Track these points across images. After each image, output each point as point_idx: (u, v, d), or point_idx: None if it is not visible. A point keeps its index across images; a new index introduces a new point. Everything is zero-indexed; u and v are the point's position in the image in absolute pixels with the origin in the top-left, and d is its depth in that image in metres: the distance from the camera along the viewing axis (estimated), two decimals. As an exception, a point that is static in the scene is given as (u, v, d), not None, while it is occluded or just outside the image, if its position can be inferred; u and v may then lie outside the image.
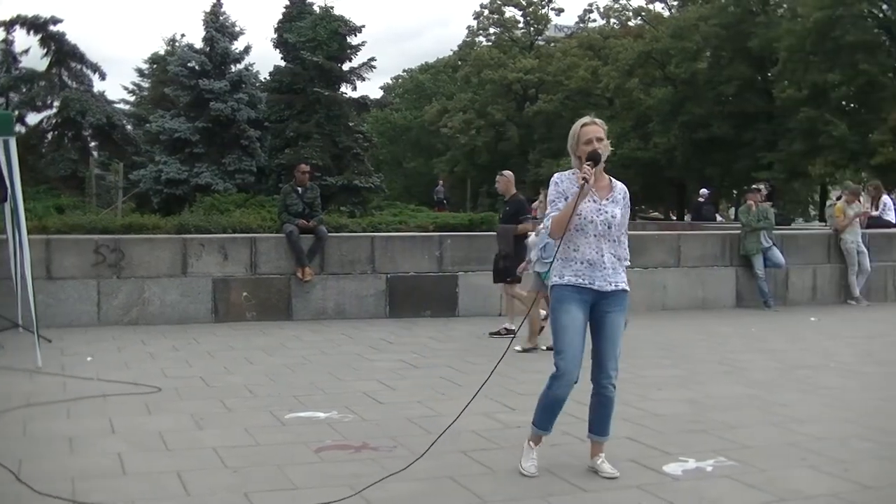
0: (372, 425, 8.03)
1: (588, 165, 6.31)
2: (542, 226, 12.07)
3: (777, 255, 17.57)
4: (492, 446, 7.32)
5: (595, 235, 6.47)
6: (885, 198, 21.96)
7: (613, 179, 6.68)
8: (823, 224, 32.25)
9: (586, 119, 6.62)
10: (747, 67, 53.07)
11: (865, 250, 18.41)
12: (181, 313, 14.59)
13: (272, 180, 32.03)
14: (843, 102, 47.70)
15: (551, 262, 12.11)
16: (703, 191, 38.10)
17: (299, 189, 15.83)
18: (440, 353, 12.14)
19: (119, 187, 30.11)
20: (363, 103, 35.58)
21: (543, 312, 12.40)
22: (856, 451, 7.30)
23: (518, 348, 12.17)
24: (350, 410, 8.57)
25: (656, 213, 70.32)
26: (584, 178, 6.26)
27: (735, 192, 60.33)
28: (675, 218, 59.11)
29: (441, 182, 54.30)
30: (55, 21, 38.40)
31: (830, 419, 8.43)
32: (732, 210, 58.95)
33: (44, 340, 11.53)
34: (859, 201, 19.35)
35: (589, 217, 6.44)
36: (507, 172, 14.50)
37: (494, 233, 14.86)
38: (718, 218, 41.03)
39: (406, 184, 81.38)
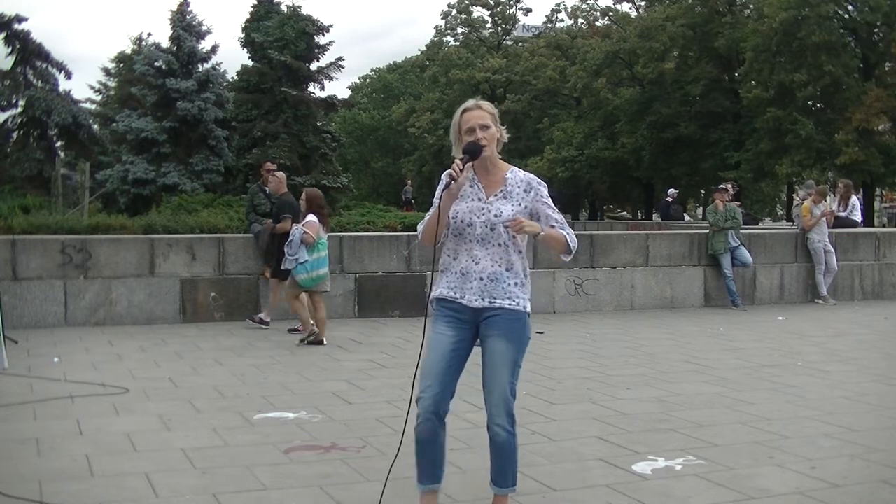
0: (341, 426, 8.02)
1: (461, 160, 5.25)
2: (295, 226, 12.86)
3: (744, 254, 17.65)
4: (461, 446, 7.31)
5: (475, 240, 5.40)
6: (854, 198, 22.10)
7: (516, 171, 5.54)
8: (790, 223, 32.45)
9: (469, 103, 5.53)
10: (714, 68, 53.43)
11: (832, 249, 18.51)
12: (149, 314, 14.53)
13: (239, 180, 32.01)
14: (809, 102, 48.12)
15: (296, 260, 12.58)
16: (671, 190, 38.38)
17: (267, 189, 15.80)
18: (409, 352, 12.11)
19: (85, 187, 29.96)
20: (331, 103, 35.58)
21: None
22: (822, 448, 7.34)
23: (297, 342, 12.87)
24: (319, 411, 8.55)
25: (624, 213, 70.63)
26: (450, 176, 5.22)
27: (702, 191, 60.74)
28: (642, 217, 59.32)
29: (409, 182, 54.36)
30: (20, 19, 38.22)
31: (797, 417, 8.47)
32: (700, 210, 59.29)
33: (10, 342, 11.46)
34: (825, 201, 19.46)
35: (467, 219, 5.39)
36: (280, 174, 15.24)
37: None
38: (686, 217, 41.28)
39: (374, 184, 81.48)
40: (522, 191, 5.44)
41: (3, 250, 13.67)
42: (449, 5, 73.03)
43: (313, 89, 35.19)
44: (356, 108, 74.54)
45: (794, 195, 47.43)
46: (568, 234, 5.49)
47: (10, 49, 38.32)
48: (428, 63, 76.41)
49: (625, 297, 17.11)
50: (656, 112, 53.67)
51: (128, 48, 57.96)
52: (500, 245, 5.38)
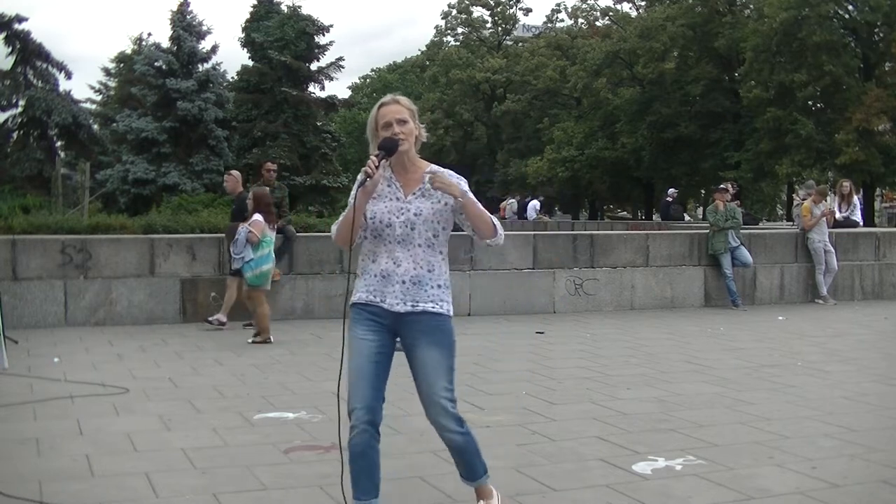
0: (341, 426, 8.00)
1: (375, 156, 5.01)
2: (241, 226, 13.03)
3: (745, 254, 17.64)
4: (461, 446, 7.30)
5: (395, 241, 5.15)
6: (855, 198, 22.09)
7: (436, 168, 5.27)
8: (790, 223, 32.46)
9: (386, 98, 5.31)
10: (714, 68, 53.44)
11: (832, 249, 18.49)
12: (149, 314, 14.52)
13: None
14: (809, 102, 48.14)
15: (242, 258, 12.74)
16: (671, 190, 38.37)
17: (267, 189, 15.80)
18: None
19: (85, 187, 29.97)
20: (331, 103, 35.62)
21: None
22: (823, 448, 7.33)
23: (249, 340, 13.04)
24: (319, 411, 8.54)
25: (624, 213, 70.62)
26: (365, 174, 4.96)
27: (702, 191, 60.71)
28: (643, 217, 59.32)
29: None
30: (20, 19, 38.21)
31: (797, 417, 8.46)
32: (700, 210, 59.28)
33: (10, 342, 11.46)
34: (825, 201, 19.45)
35: (386, 220, 5.15)
36: (235, 172, 15.50)
37: (460, 232, 14.91)
38: (686, 217, 41.27)
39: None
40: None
41: (4, 250, 13.68)
42: (449, 5, 73.15)
43: (313, 89, 35.29)
44: (356, 108, 74.51)
45: (794, 195, 47.43)
46: (494, 220, 5.27)
47: (10, 49, 38.33)
48: (428, 63, 76.49)
49: (625, 297, 17.10)
50: (656, 112, 53.70)
51: (128, 48, 58.03)
52: (420, 246, 5.16)
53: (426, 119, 65.15)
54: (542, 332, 13.90)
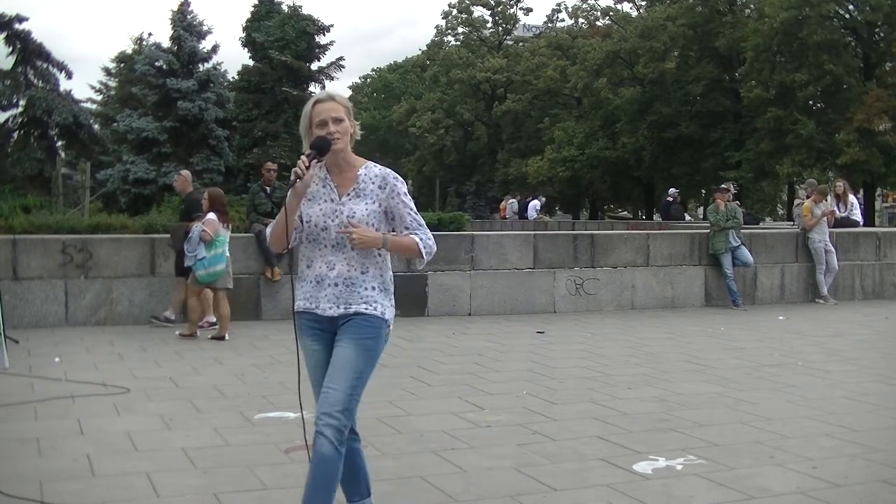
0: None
1: (307, 155, 4.78)
2: (195, 224, 13.18)
3: (745, 254, 17.65)
4: (461, 445, 7.31)
5: (329, 245, 4.93)
6: (852, 197, 22.09)
7: (370, 166, 5.06)
8: (791, 223, 32.46)
9: (322, 94, 5.07)
10: (714, 67, 53.44)
11: (833, 249, 18.50)
12: (149, 314, 14.50)
13: (240, 180, 32.03)
14: (810, 102, 48.10)
15: (195, 256, 12.88)
16: (672, 190, 38.39)
17: (268, 189, 15.81)
18: (409, 352, 12.13)
19: (86, 187, 30.02)
20: (332, 103, 35.51)
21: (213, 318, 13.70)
22: (823, 448, 7.33)
23: (177, 333, 13.42)
24: (320, 410, 8.54)
25: (625, 213, 70.65)
26: (296, 174, 4.72)
27: (703, 191, 60.71)
28: (643, 217, 59.34)
29: (410, 182, 54.37)
30: (20, 19, 38.19)
31: (798, 417, 8.46)
32: (701, 209, 59.28)
33: (11, 341, 11.47)
34: (826, 200, 19.45)
35: (321, 223, 4.91)
36: (185, 172, 15.57)
37: (461, 232, 14.95)
38: (687, 217, 41.27)
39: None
40: (377, 187, 4.96)
41: (4, 250, 13.68)
42: (450, 5, 73.13)
43: (314, 89, 35.22)
44: (357, 108, 74.44)
45: (796, 196, 47.48)
46: (421, 238, 5.00)
47: (10, 49, 38.30)
48: (429, 63, 76.49)
49: (625, 297, 17.09)
50: (657, 112, 53.71)
51: (128, 48, 58.00)
52: (354, 248, 4.89)
53: (426, 119, 65.40)
54: (543, 332, 13.91)
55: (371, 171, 5.01)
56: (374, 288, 4.97)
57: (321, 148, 4.82)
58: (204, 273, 13.02)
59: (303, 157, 4.75)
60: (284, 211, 4.81)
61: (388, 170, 5.06)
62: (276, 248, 5.01)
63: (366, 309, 4.92)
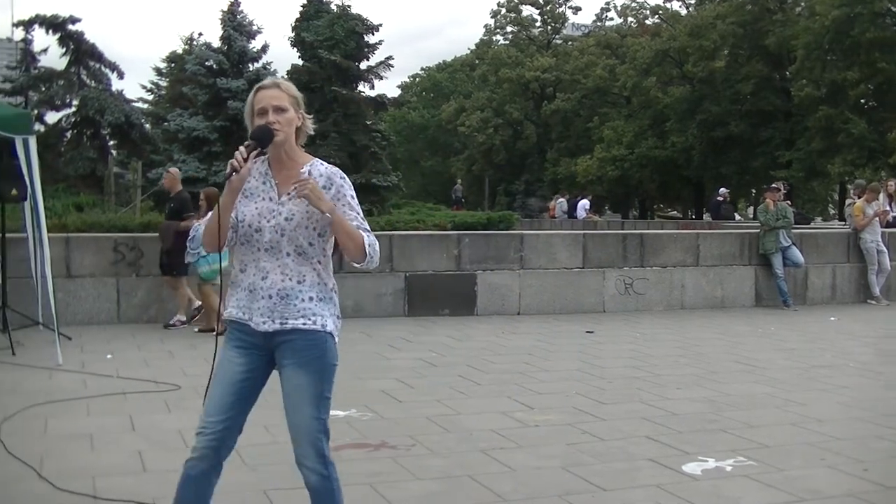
0: (391, 424, 8.03)
1: (245, 147, 4.30)
2: (197, 222, 13.28)
3: (796, 254, 17.53)
4: (510, 445, 7.32)
5: (263, 249, 4.44)
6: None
7: (316, 163, 4.57)
8: (842, 223, 32.21)
9: (266, 81, 4.60)
10: (765, 66, 52.99)
11: (885, 249, 18.33)
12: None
13: (290, 179, 32.08)
14: (862, 101, 47.59)
15: (198, 253, 12.96)
16: (722, 190, 38.17)
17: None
18: (458, 351, 12.15)
19: (137, 186, 30.15)
20: (380, 102, 35.64)
21: (198, 303, 14.01)
22: (875, 450, 7.28)
23: (195, 329, 13.71)
24: (369, 409, 8.57)
25: (674, 213, 70.30)
26: (232, 167, 4.25)
27: (753, 190, 60.29)
28: (693, 217, 59.00)
29: (459, 181, 54.39)
30: (74, 20, 38.47)
31: (849, 419, 8.41)
32: (751, 209, 58.89)
33: (64, 338, 11.58)
34: (878, 200, 19.28)
35: (255, 224, 4.44)
36: (174, 170, 15.74)
37: (511, 231, 14.96)
38: (737, 217, 41.03)
39: (423, 182, 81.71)
40: (321, 187, 4.41)
41: (58, 248, 13.80)
42: (498, 4, 72.97)
43: (363, 88, 35.31)
44: (406, 107, 74.63)
45: (847, 196, 47.04)
46: (368, 237, 4.47)
47: (64, 50, 38.62)
48: (477, 62, 76.46)
49: (675, 297, 17.03)
50: (706, 111, 53.36)
51: (179, 48, 58.33)
52: (290, 255, 4.43)
53: (475, 118, 65.39)
54: (592, 332, 13.89)
55: (316, 169, 4.52)
56: (311, 299, 4.47)
57: (262, 139, 4.36)
58: (208, 269, 13.26)
59: (241, 149, 4.28)
60: (218, 208, 4.37)
61: (335, 168, 4.58)
62: (209, 249, 4.54)
63: (304, 324, 4.43)
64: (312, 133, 4.70)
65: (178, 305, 14.22)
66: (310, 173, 4.47)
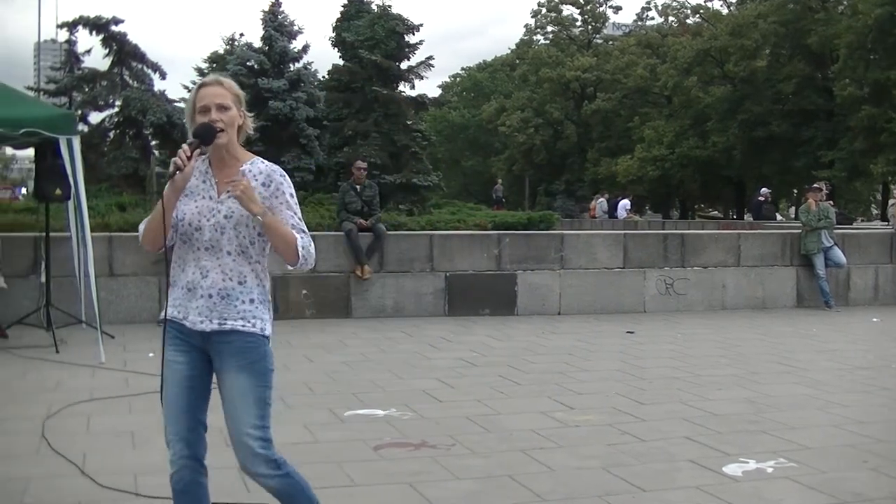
0: (431, 423, 8.05)
1: (189, 145, 4.28)
2: None
3: (838, 254, 17.42)
4: (550, 445, 7.32)
5: (203, 248, 4.39)
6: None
7: (256, 161, 4.60)
8: (885, 223, 31.94)
9: (209, 78, 4.62)
10: (807, 65, 52.67)
11: (928, 250, 18.21)
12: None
13: (331, 178, 32.15)
14: (906, 100, 47.17)
15: None
16: (764, 190, 38.02)
17: (357, 187, 15.87)
18: (499, 351, 12.15)
19: (179, 186, 30.33)
20: (421, 102, 35.63)
21: None
22: (918, 453, 7.23)
23: None
24: (409, 408, 8.59)
25: (715, 213, 70.01)
26: (175, 165, 4.24)
27: (795, 191, 59.93)
28: (734, 217, 58.72)
29: (499, 181, 54.35)
30: (117, 21, 38.75)
31: (891, 420, 8.35)
32: (792, 209, 58.51)
33: (106, 336, 11.67)
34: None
35: (195, 222, 4.38)
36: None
37: (551, 231, 14.94)
38: (778, 217, 40.79)
39: (464, 182, 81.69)
40: (260, 185, 4.42)
41: (101, 247, 13.90)
42: (539, 4, 72.91)
43: (403, 88, 35.31)
44: (446, 107, 74.63)
45: (890, 196, 46.69)
46: (301, 239, 4.42)
47: (107, 51, 38.90)
48: (518, 62, 76.44)
49: (716, 297, 16.96)
50: (748, 110, 53.07)
51: (220, 48, 58.52)
52: (230, 254, 4.38)
53: (515, 118, 65.34)
54: (633, 332, 13.85)
55: (256, 167, 4.52)
56: (252, 301, 4.43)
57: (205, 137, 4.33)
58: None
59: (184, 147, 4.26)
60: (162, 206, 4.28)
61: (275, 167, 4.59)
62: (150, 248, 4.48)
63: (243, 326, 4.38)
64: (252, 132, 4.70)
65: None
66: (249, 172, 4.46)
